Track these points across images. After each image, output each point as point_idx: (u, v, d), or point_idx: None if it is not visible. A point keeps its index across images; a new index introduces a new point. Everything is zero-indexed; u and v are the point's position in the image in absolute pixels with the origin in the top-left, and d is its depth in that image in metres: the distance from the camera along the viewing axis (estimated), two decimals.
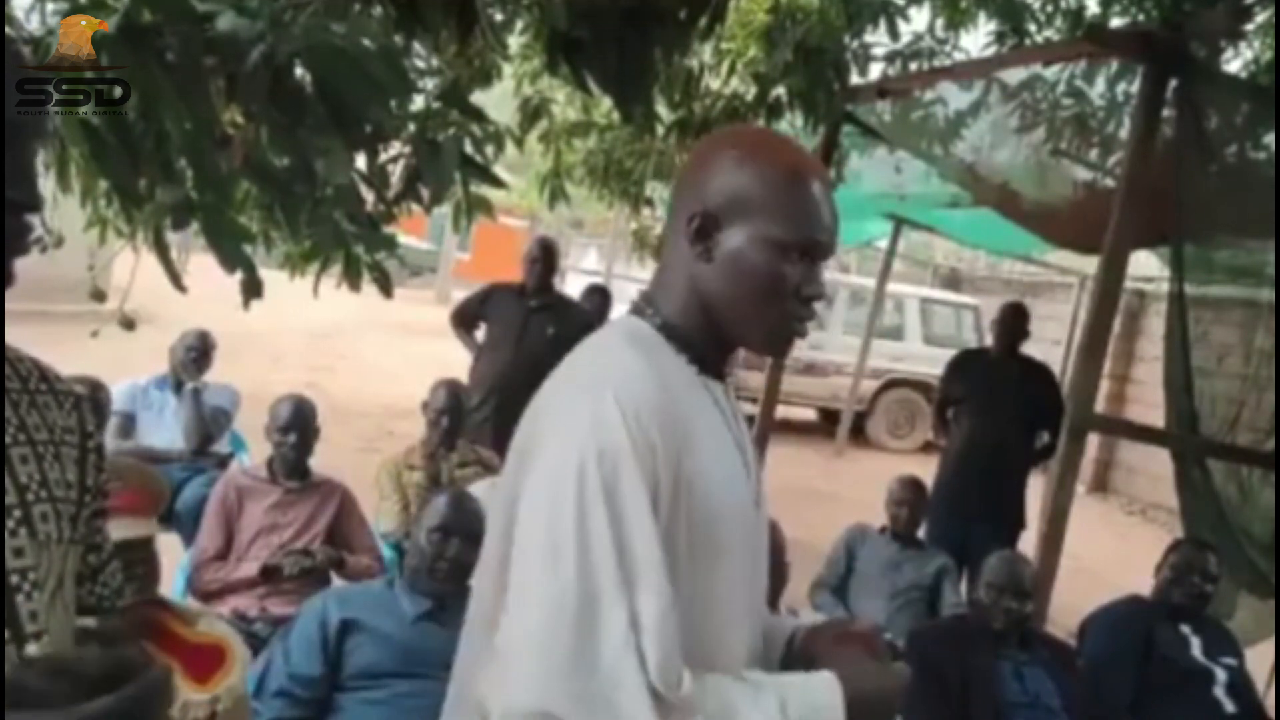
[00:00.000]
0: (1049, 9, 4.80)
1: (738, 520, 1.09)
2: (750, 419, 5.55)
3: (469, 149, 2.29)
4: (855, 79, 4.62)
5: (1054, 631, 3.36)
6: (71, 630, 0.98)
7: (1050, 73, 4.06)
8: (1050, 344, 9.87)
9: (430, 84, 2.68)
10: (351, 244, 2.32)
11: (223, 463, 4.11)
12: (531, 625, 0.94)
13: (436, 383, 3.81)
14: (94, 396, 3.20)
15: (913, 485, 3.80)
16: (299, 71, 1.83)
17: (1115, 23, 4.62)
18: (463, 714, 1.11)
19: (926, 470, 4.63)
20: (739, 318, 1.10)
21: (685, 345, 1.11)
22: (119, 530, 1.72)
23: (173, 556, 2.92)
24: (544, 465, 0.99)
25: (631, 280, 13.45)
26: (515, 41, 3.90)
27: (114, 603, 1.10)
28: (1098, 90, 4.11)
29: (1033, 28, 4.82)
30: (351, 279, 2.37)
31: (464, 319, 5.10)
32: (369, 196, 2.35)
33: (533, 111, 5.40)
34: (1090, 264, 5.51)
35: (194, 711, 1.68)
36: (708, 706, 0.96)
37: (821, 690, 1.04)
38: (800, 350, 9.71)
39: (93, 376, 3.26)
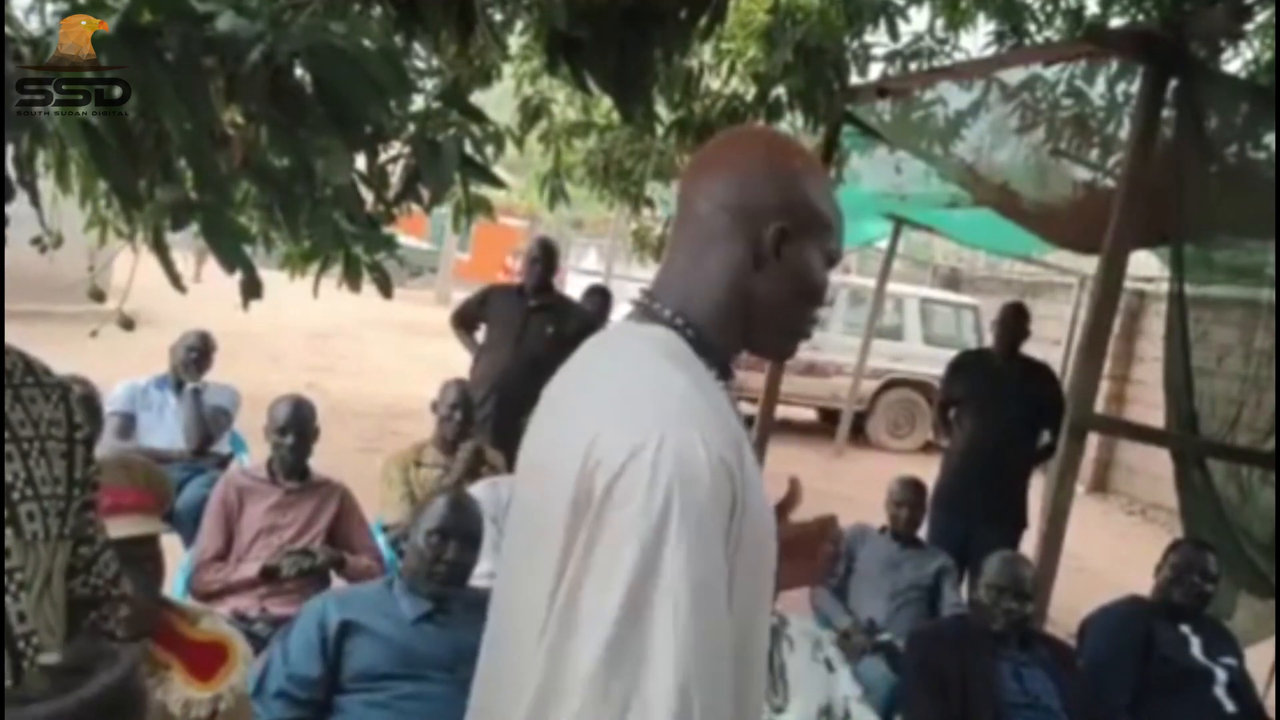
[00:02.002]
0: (1049, 9, 4.80)
1: (771, 534, 1.07)
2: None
3: (469, 149, 2.28)
4: (855, 79, 4.62)
5: (1054, 631, 3.36)
6: (58, 628, 0.98)
7: (1050, 73, 4.05)
8: (1050, 344, 9.87)
9: (430, 84, 2.68)
10: (351, 244, 2.31)
11: (223, 463, 4.11)
12: (588, 665, 0.90)
13: (446, 382, 3.85)
14: (87, 393, 3.20)
15: (913, 485, 3.80)
16: (299, 71, 1.83)
17: (1115, 23, 4.62)
18: None
19: (926, 470, 4.63)
20: (777, 324, 1.13)
21: (711, 354, 1.10)
22: (127, 527, 1.72)
23: (173, 557, 2.91)
24: (625, 513, 0.93)
25: (632, 280, 13.45)
26: (515, 41, 3.90)
27: (109, 592, 1.10)
28: (1098, 90, 4.11)
29: (1033, 28, 4.82)
30: (351, 279, 2.37)
31: (464, 320, 5.11)
32: (369, 196, 2.35)
33: (533, 111, 5.40)
34: (1090, 264, 5.50)
35: (196, 710, 1.69)
36: None
37: None
38: (800, 350, 9.55)
39: (81, 376, 3.26)
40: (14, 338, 0.99)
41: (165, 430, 4.09)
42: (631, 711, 0.88)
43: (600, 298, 6.01)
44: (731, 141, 1.18)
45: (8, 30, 1.71)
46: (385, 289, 2.40)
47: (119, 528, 1.69)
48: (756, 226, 1.09)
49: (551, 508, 0.99)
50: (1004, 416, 4.43)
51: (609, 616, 0.91)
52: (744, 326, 1.11)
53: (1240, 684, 3.03)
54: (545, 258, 4.90)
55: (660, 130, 4.81)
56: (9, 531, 0.91)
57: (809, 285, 1.12)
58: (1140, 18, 4.54)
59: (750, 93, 4.74)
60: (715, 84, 4.84)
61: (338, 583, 3.11)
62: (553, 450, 1.03)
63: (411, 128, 2.21)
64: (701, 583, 0.92)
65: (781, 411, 6.96)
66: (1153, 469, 8.16)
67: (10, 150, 1.82)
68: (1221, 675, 2.99)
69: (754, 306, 1.10)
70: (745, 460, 1.01)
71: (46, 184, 2.09)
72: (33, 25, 1.85)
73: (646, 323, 1.11)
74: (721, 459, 0.95)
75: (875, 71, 4.79)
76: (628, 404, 1.01)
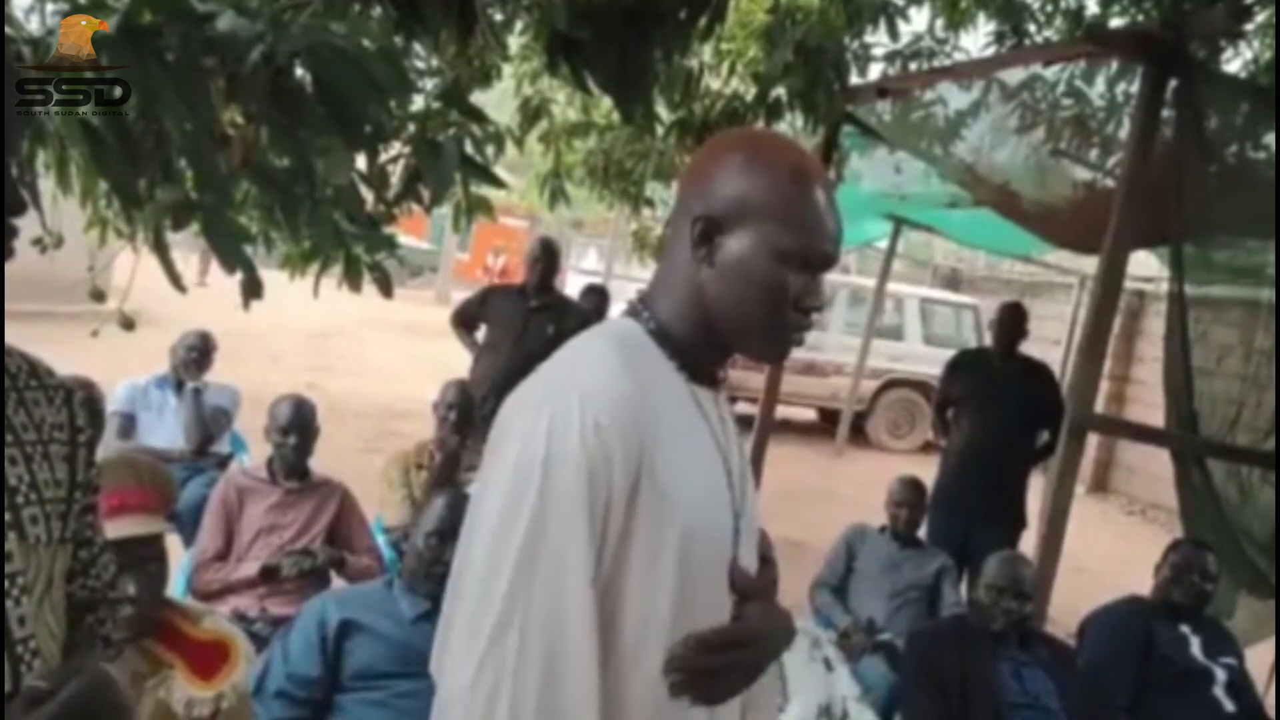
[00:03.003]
0: (1049, 9, 4.80)
1: (713, 531, 1.07)
2: (750, 419, 5.53)
3: (469, 149, 2.29)
4: (855, 79, 4.62)
5: (1054, 631, 3.36)
6: (58, 632, 0.98)
7: (1050, 73, 4.05)
8: (1050, 344, 9.87)
9: (430, 84, 2.68)
10: (351, 244, 2.32)
11: (223, 463, 4.11)
12: (460, 622, 0.99)
13: (447, 383, 3.85)
14: (89, 395, 3.20)
15: (912, 485, 3.80)
16: (299, 71, 1.83)
17: (1115, 23, 4.62)
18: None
19: (926, 470, 4.63)
20: (737, 324, 1.09)
21: (676, 351, 1.10)
22: (132, 527, 1.73)
23: (173, 556, 2.92)
24: (499, 467, 1.00)
25: (631, 280, 13.46)
26: (515, 41, 3.90)
27: (106, 595, 1.10)
28: (1097, 90, 4.11)
29: (1032, 28, 4.82)
30: (351, 279, 2.37)
31: (464, 320, 5.11)
32: (369, 196, 2.35)
33: (533, 111, 5.40)
34: (1090, 264, 5.51)
35: (199, 709, 1.69)
36: None
37: None
38: (800, 350, 9.58)
39: (85, 379, 3.26)
40: (15, 338, 0.99)
41: (166, 430, 4.09)
42: (487, 677, 0.94)
43: (597, 297, 6.02)
44: (705, 144, 1.21)
45: (8, 30, 1.71)
46: (385, 289, 2.40)
47: (124, 527, 1.69)
48: (686, 221, 1.10)
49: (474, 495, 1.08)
50: (1002, 416, 4.43)
51: (477, 586, 0.97)
52: (708, 326, 1.10)
53: (1240, 684, 3.03)
54: (547, 258, 4.90)
55: (660, 130, 4.81)
56: (12, 535, 0.91)
57: (755, 284, 1.06)
58: (1140, 18, 4.54)
59: (750, 93, 4.74)
60: (715, 84, 4.84)
61: (338, 582, 3.11)
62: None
63: (411, 128, 2.21)
64: (552, 552, 0.95)
65: (781, 411, 6.97)
66: (1152, 469, 8.16)
67: None
68: (1221, 675, 2.99)
69: (710, 306, 1.09)
70: (662, 444, 1.01)
71: (46, 184, 2.09)
72: (33, 25, 1.85)
73: (622, 317, 1.15)
74: (598, 425, 0.97)
75: (875, 71, 4.80)
76: (533, 381, 1.06)
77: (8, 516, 0.91)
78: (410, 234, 16.48)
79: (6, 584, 0.90)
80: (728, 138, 1.19)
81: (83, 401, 1.04)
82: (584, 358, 1.06)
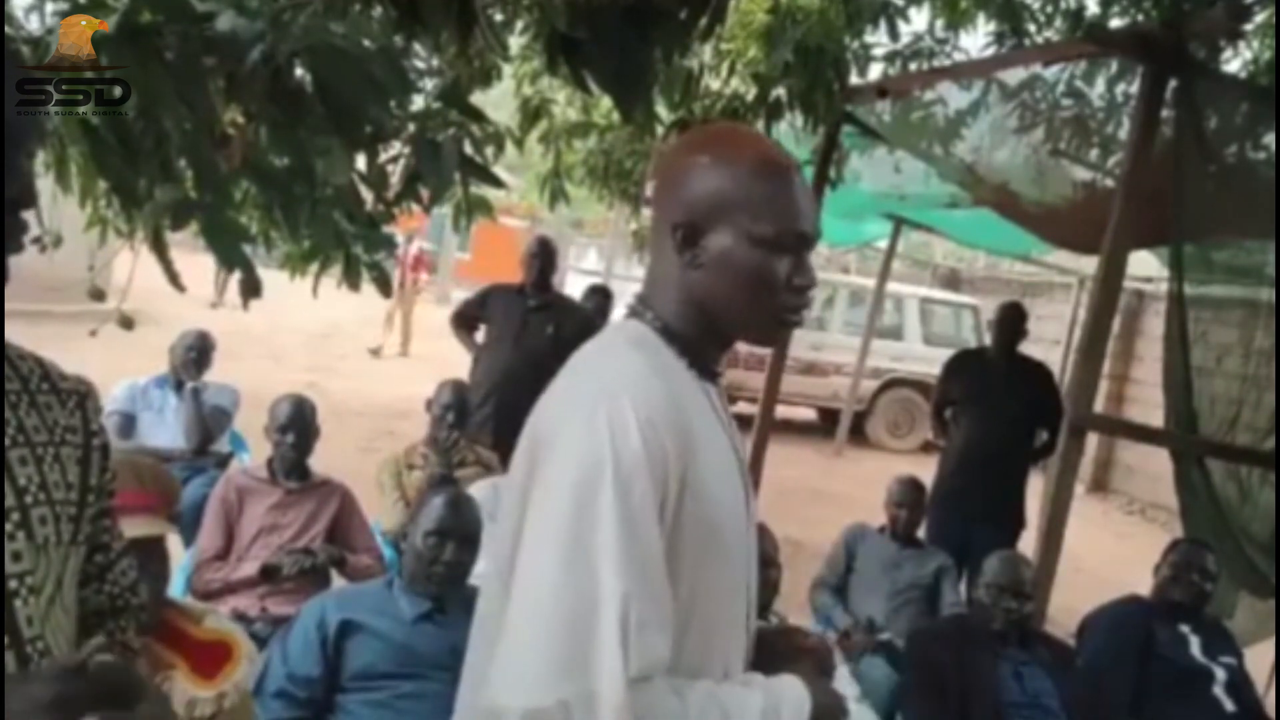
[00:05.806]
0: (1049, 9, 4.80)
1: (735, 522, 1.11)
2: (750, 419, 5.52)
3: (469, 149, 2.29)
4: (855, 79, 4.61)
5: (1053, 631, 3.36)
6: (69, 634, 0.98)
7: (1050, 73, 4.06)
8: (1050, 344, 9.87)
9: (430, 84, 2.68)
10: (351, 244, 2.32)
11: (223, 462, 4.11)
12: (532, 627, 0.96)
13: (442, 382, 3.84)
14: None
15: (912, 485, 3.80)
16: (299, 71, 1.83)
17: (1115, 23, 4.62)
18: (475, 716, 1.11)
19: (926, 470, 4.63)
20: (736, 316, 1.13)
21: (684, 348, 1.13)
22: (133, 529, 1.72)
23: (173, 556, 2.92)
24: (558, 469, 1.01)
25: (632, 280, 13.45)
26: (515, 41, 3.89)
27: (127, 600, 1.10)
28: (1097, 90, 4.11)
29: (1032, 28, 4.82)
30: (351, 279, 2.37)
31: (463, 320, 5.11)
32: (369, 196, 2.35)
33: (533, 111, 5.39)
34: (1090, 264, 5.52)
35: (201, 709, 1.69)
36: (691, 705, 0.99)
37: (790, 694, 1.08)
38: (800, 350, 9.71)
39: (84, 379, 3.26)
40: (14, 337, 0.99)
41: (166, 430, 4.09)
42: (580, 637, 0.93)
43: (601, 297, 6.01)
44: (671, 149, 1.24)
45: (8, 30, 1.71)
46: (385, 289, 2.40)
47: (126, 529, 1.69)
48: (667, 231, 1.13)
49: (512, 495, 1.08)
50: (1001, 416, 4.43)
51: (550, 557, 0.97)
52: (708, 321, 1.13)
53: (1240, 683, 3.03)
54: (544, 256, 4.90)
55: (660, 130, 4.80)
56: (21, 535, 0.91)
57: (742, 274, 1.10)
58: (1140, 18, 4.54)
59: (750, 93, 4.73)
60: (715, 84, 4.83)
61: (338, 582, 3.11)
62: (520, 449, 1.11)
63: (411, 128, 2.21)
64: (633, 518, 0.96)
65: (781, 411, 6.96)
66: (1152, 468, 8.15)
67: None
68: (1221, 674, 2.99)
69: (707, 303, 1.12)
70: (695, 439, 1.05)
71: (46, 184, 2.09)
72: (33, 25, 1.86)
73: (628, 319, 1.17)
74: (650, 421, 1.00)
75: (875, 71, 4.79)
76: (571, 385, 1.09)
77: (17, 516, 0.91)
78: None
79: (15, 583, 0.90)
80: (691, 140, 1.24)
81: (96, 405, 1.04)
82: (614, 361, 1.08)
